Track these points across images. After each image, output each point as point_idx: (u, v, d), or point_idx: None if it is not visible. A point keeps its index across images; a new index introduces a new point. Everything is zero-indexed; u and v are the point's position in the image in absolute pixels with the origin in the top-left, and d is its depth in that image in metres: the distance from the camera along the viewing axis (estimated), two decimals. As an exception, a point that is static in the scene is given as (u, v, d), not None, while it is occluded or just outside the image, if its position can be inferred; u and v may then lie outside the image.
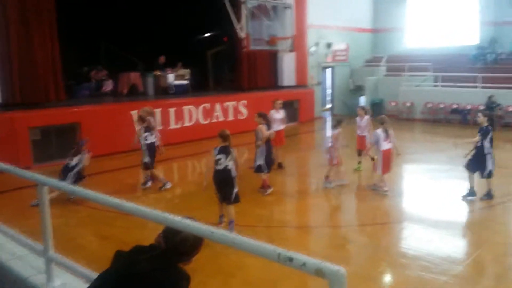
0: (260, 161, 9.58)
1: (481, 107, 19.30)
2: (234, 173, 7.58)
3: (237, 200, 7.69)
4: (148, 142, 9.95)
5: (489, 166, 8.91)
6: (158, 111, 14.54)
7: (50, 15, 13.90)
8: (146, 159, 9.96)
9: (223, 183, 7.58)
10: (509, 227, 8.16)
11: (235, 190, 7.60)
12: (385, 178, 9.60)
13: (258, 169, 9.64)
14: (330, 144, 10.17)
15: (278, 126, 11.48)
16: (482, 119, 8.95)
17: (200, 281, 5.52)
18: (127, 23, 19.04)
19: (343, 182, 10.19)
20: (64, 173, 9.15)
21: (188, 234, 2.44)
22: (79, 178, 9.20)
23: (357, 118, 11.54)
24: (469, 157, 9.11)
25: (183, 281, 2.40)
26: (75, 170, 9.21)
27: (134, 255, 2.42)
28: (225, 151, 7.55)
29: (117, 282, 2.35)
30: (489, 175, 8.99)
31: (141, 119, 10.08)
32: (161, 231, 2.55)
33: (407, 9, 25.17)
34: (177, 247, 2.45)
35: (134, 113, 14.00)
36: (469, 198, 9.03)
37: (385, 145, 9.52)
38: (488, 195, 9.00)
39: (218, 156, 7.52)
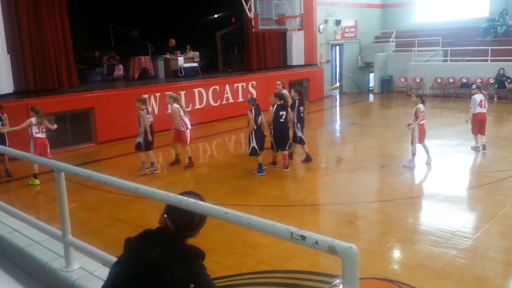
0: (271, 139, 9.99)
1: (491, 81, 19.22)
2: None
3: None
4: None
5: (298, 133, 10.35)
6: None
7: (60, 0, 13.98)
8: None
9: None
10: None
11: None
12: (476, 138, 11.10)
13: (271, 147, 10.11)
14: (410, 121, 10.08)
15: None
16: (293, 94, 10.44)
17: (214, 261, 5.66)
18: (136, 6, 19.05)
19: (411, 165, 10.01)
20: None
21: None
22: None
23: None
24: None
25: (199, 259, 2.36)
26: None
27: (146, 241, 2.37)
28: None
29: (137, 272, 2.30)
30: (301, 141, 10.43)
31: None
32: (164, 211, 2.48)
33: (416, -17, 24.82)
34: (187, 227, 2.42)
35: (146, 97, 14.12)
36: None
37: (479, 109, 10.91)
38: (307, 159, 10.53)
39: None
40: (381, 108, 20.70)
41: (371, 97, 22.85)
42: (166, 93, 10.45)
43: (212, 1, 20.68)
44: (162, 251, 2.29)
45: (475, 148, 11.13)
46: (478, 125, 10.99)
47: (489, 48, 19.77)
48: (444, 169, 9.81)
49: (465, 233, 6.54)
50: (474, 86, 11.71)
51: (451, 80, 20.57)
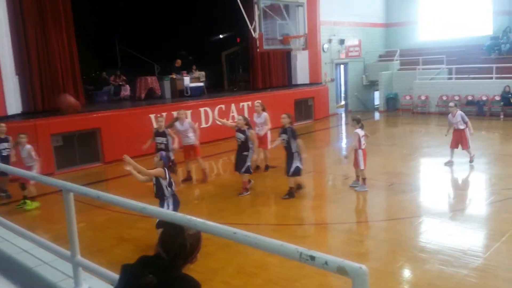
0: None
1: (497, 98, 19.20)
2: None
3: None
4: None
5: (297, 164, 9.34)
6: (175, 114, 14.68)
7: (67, 22, 14.15)
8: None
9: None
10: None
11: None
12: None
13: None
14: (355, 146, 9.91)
15: (259, 130, 11.44)
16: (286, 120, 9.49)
17: (222, 281, 5.61)
18: (143, 27, 19.30)
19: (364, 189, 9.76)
20: None
21: (184, 236, 2.44)
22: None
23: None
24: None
25: None
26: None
27: (140, 268, 2.38)
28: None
29: None
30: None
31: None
32: (158, 240, 2.51)
33: (420, 2, 24.97)
34: (179, 255, 2.42)
35: (153, 117, 14.19)
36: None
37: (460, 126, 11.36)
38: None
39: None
40: (387, 126, 20.68)
41: (377, 115, 22.84)
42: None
43: (218, 22, 20.92)
44: (153, 278, 2.28)
45: (449, 163, 11.42)
46: (456, 141, 11.47)
47: (494, 65, 19.79)
48: (452, 187, 9.75)
49: (475, 252, 6.47)
50: (451, 104, 12.00)
51: (456, 98, 20.55)
